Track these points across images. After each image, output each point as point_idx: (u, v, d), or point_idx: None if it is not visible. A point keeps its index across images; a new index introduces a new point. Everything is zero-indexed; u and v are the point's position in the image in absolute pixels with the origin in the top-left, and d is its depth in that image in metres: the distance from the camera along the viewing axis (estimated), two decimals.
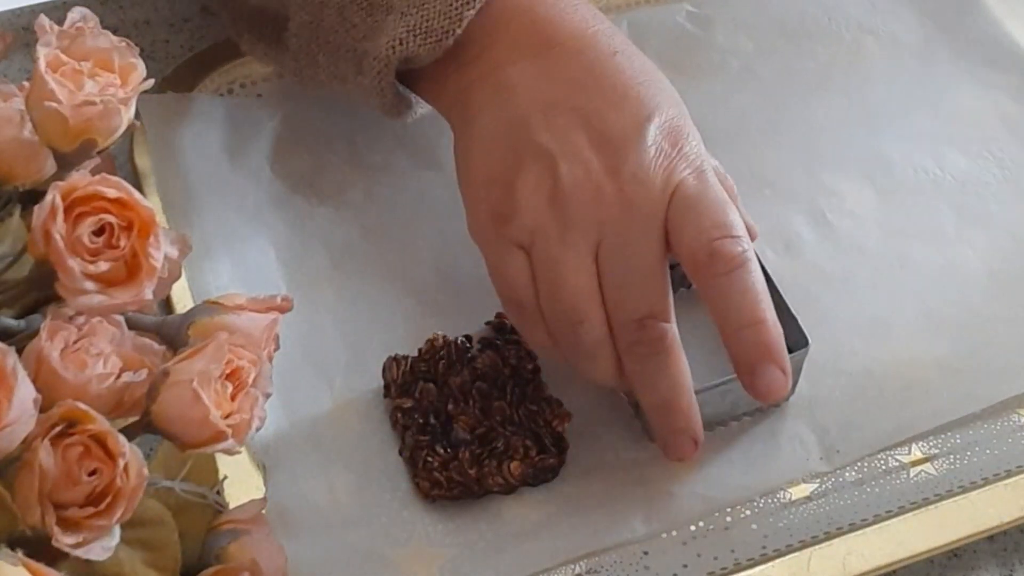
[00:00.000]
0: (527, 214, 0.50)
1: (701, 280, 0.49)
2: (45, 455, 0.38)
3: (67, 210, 0.41)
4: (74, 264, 0.40)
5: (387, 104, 0.57)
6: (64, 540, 0.38)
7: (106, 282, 0.41)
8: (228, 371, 0.42)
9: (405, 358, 0.55)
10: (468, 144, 0.53)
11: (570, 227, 0.49)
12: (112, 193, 0.41)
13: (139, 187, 0.52)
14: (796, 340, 0.54)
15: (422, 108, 0.59)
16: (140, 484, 0.39)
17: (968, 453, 0.55)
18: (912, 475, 0.54)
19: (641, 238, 0.49)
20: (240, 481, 0.51)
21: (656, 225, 0.49)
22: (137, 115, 0.45)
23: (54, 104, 0.43)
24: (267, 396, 0.43)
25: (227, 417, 0.41)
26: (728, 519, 0.52)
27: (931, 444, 0.55)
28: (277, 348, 0.45)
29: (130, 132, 0.47)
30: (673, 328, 0.50)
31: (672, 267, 0.56)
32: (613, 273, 0.49)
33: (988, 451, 0.55)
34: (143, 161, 0.61)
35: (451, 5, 0.53)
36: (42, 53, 0.43)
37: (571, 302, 0.49)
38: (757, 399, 0.50)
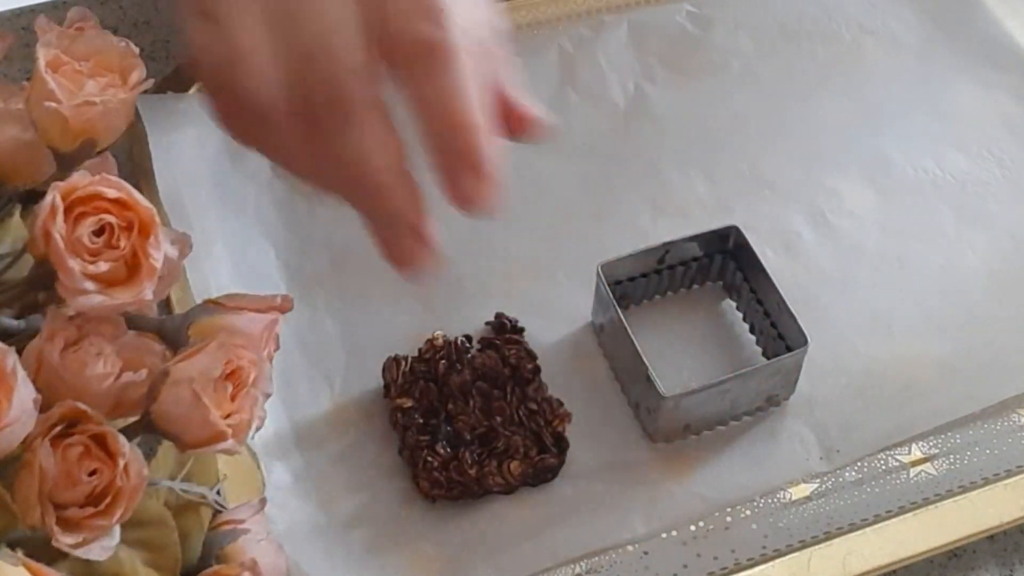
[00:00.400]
0: None
1: (396, 70, 0.42)
2: (45, 455, 0.38)
3: (67, 210, 0.41)
4: (74, 264, 0.40)
5: None
6: (64, 540, 0.38)
7: (106, 282, 0.41)
8: (228, 371, 0.41)
9: (405, 358, 0.55)
10: None
11: None
12: (112, 193, 0.41)
13: (139, 187, 0.51)
14: (795, 340, 0.54)
15: None
16: (140, 484, 0.39)
17: (968, 453, 0.55)
18: (912, 475, 0.54)
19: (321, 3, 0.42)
20: (240, 481, 0.51)
21: None
22: (137, 115, 0.45)
23: (54, 104, 0.43)
24: (267, 396, 0.43)
25: (227, 417, 0.41)
26: (728, 519, 0.52)
27: (931, 444, 0.55)
28: (277, 348, 0.45)
29: (130, 132, 0.46)
30: (369, 92, 0.41)
31: (669, 268, 0.56)
32: (291, 40, 0.41)
33: (988, 451, 0.55)
34: (143, 161, 0.61)
35: None
36: (42, 53, 0.43)
37: (244, 68, 0.41)
38: (459, 208, 0.42)
